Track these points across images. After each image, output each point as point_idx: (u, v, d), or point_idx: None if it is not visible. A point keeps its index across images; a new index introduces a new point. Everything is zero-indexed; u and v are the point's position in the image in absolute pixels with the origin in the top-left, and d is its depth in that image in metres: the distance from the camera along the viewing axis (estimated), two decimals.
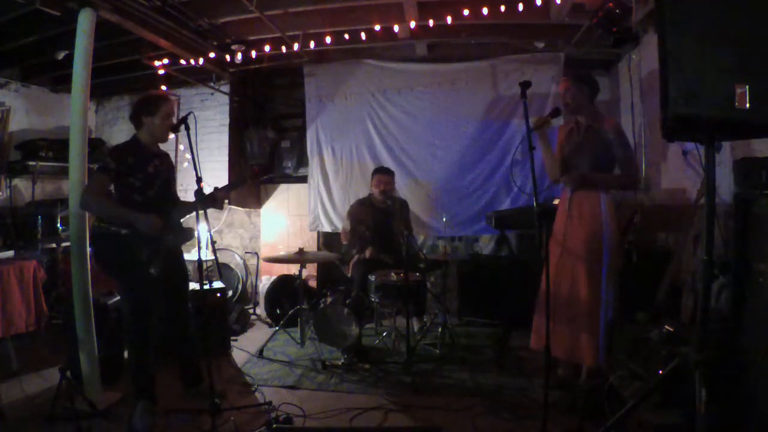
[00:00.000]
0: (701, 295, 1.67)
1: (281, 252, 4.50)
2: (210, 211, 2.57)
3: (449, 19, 3.63)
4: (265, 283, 4.65)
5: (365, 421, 2.50)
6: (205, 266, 2.65)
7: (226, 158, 4.97)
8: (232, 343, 3.70)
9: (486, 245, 4.83)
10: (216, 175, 4.86)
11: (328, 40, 3.97)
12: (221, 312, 3.60)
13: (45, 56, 3.96)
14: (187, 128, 2.35)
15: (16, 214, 4.11)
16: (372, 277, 3.50)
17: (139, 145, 2.59)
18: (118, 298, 3.06)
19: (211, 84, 4.97)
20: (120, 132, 5.28)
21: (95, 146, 4.62)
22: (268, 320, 4.35)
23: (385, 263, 3.83)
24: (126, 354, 2.78)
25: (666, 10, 1.46)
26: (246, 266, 5.15)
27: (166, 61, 4.24)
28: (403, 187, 4.63)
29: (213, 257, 3.84)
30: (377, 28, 3.81)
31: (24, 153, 4.31)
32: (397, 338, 3.55)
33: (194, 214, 2.61)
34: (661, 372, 1.97)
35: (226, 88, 4.99)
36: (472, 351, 3.56)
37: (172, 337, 2.77)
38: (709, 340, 1.74)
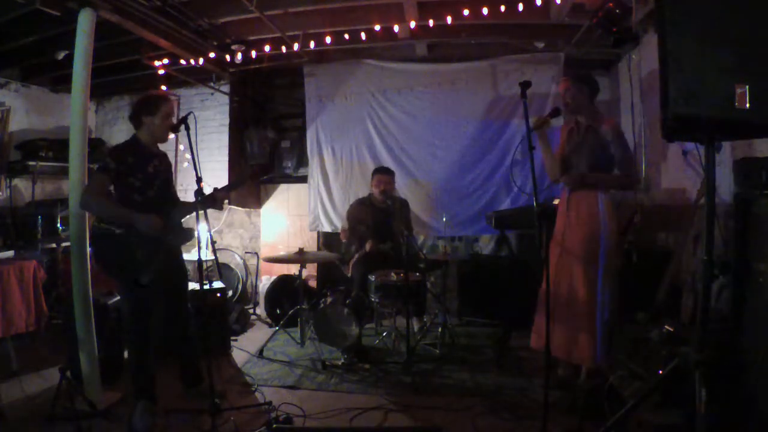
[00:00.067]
0: (701, 295, 1.67)
1: (281, 252, 4.50)
2: (210, 211, 2.57)
3: (449, 19, 3.63)
4: (265, 283, 4.65)
5: (365, 421, 2.50)
6: (205, 266, 2.65)
7: (226, 158, 4.97)
8: (232, 343, 3.70)
9: (486, 245, 4.83)
10: (216, 175, 4.86)
11: (328, 40, 3.97)
12: (221, 312, 3.60)
13: (45, 56, 3.96)
14: (187, 128, 2.36)
15: (16, 214, 4.11)
16: (372, 277, 3.50)
17: (139, 145, 2.59)
18: (118, 298, 3.06)
19: (211, 84, 4.97)
20: (120, 132, 5.28)
21: (95, 146, 4.62)
22: (268, 320, 4.35)
23: (386, 256, 3.82)
24: (126, 354, 2.78)
25: (666, 10, 1.46)
26: (246, 266, 5.15)
27: (166, 61, 4.24)
28: (403, 187, 4.63)
29: (213, 257, 3.84)
30: (377, 28, 3.81)
31: (24, 153, 4.31)
32: (397, 338, 3.54)
33: (194, 214, 2.61)
34: (661, 372, 1.97)
35: (226, 88, 4.99)
36: (472, 351, 3.56)
37: (172, 337, 2.77)
38: (709, 340, 1.74)
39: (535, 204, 2.21)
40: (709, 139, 1.60)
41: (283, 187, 5.26)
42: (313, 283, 4.88)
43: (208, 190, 2.48)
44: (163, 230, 2.48)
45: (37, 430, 2.36)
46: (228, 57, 4.29)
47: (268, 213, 5.30)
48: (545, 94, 4.36)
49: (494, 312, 4.08)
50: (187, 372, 2.79)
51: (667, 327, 2.33)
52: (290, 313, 3.87)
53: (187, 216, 2.74)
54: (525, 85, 2.27)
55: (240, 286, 4.99)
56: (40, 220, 4.01)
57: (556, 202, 3.00)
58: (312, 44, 4.08)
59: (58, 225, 4.10)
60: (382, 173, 4.00)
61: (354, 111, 4.83)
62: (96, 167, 2.49)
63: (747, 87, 1.40)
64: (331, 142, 4.90)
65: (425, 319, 3.88)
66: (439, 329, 3.63)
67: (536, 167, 2.25)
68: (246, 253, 5.21)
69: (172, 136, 2.67)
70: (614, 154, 2.58)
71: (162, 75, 4.36)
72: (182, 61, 4.20)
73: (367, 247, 3.85)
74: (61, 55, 3.88)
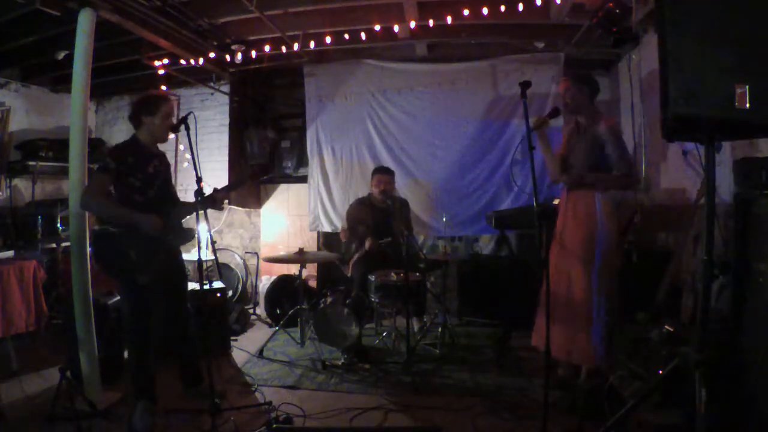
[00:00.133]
0: (701, 295, 1.67)
1: (281, 252, 4.50)
2: (210, 211, 2.57)
3: (449, 19, 3.63)
4: (265, 283, 4.65)
5: (365, 421, 2.50)
6: (205, 266, 2.65)
7: (226, 158, 4.97)
8: (232, 343, 3.70)
9: (486, 245, 4.83)
10: (216, 175, 4.86)
11: (328, 40, 3.97)
12: (221, 312, 3.60)
13: (45, 56, 3.96)
14: (187, 128, 2.35)
15: (16, 214, 4.11)
16: (372, 277, 3.50)
17: (139, 145, 2.59)
18: (118, 298, 3.06)
19: (211, 84, 4.97)
20: (120, 132, 5.28)
21: (95, 146, 4.62)
22: (268, 320, 4.35)
23: (386, 255, 3.82)
24: (126, 354, 2.78)
25: (666, 10, 1.46)
26: (246, 266, 5.14)
27: (166, 61, 4.24)
28: (403, 187, 4.63)
29: (213, 257, 3.84)
30: (377, 28, 3.81)
31: (24, 153, 4.31)
32: (397, 338, 3.54)
33: (194, 214, 2.61)
34: (661, 372, 1.96)
35: (226, 88, 4.99)
36: (472, 351, 3.56)
37: (172, 337, 2.77)
38: (709, 340, 1.74)
39: (535, 204, 2.21)
40: (709, 139, 1.60)
41: (283, 187, 5.26)
42: (313, 283, 4.88)
43: (208, 190, 2.48)
44: (164, 230, 2.48)
45: (37, 430, 2.36)
46: (228, 57, 4.29)
47: (268, 213, 5.30)
48: (545, 94, 4.36)
49: (494, 312, 4.08)
50: (187, 372, 2.79)
51: (667, 327, 2.33)
52: (290, 313, 3.87)
53: (187, 216, 2.74)
54: (525, 85, 2.27)
55: (240, 286, 4.99)
56: (40, 220, 4.01)
57: (556, 202, 3.00)
58: (312, 44, 4.08)
59: (58, 225, 4.10)
60: (382, 173, 4.00)
61: (354, 111, 4.83)
62: (96, 167, 2.49)
63: (747, 87, 1.40)
64: (331, 142, 4.90)
65: (425, 319, 3.88)
66: (439, 329, 3.63)
67: (536, 167, 2.25)
68: (246, 253, 5.21)
69: (172, 136, 2.67)
70: (611, 154, 2.56)
71: (162, 75, 4.36)
72: (182, 61, 4.20)
73: (367, 245, 3.84)
74: (61, 55, 3.88)
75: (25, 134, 4.46)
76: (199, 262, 2.33)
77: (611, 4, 3.14)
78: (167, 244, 2.60)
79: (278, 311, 4.25)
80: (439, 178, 4.66)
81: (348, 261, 4.05)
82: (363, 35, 3.98)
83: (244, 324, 4.19)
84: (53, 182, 4.70)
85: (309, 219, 5.04)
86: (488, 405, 2.64)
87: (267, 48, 4.11)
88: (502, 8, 3.48)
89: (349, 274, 4.01)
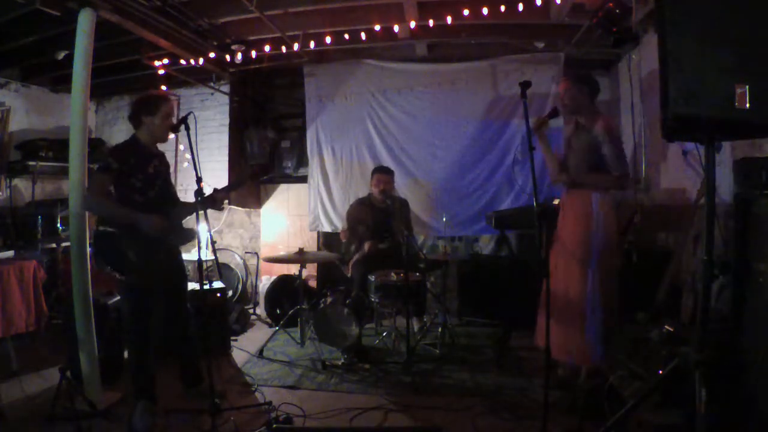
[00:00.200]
0: (701, 295, 1.67)
1: (281, 252, 4.50)
2: (210, 211, 2.57)
3: (449, 19, 3.63)
4: (265, 283, 4.65)
5: (365, 421, 2.50)
6: (205, 266, 2.65)
7: (226, 158, 4.97)
8: (232, 343, 3.70)
9: (486, 245, 4.83)
10: (216, 175, 4.86)
11: (328, 40, 3.97)
12: (221, 312, 3.60)
13: (45, 56, 3.96)
14: (187, 128, 2.35)
15: (16, 214, 4.11)
16: (372, 277, 3.50)
17: (139, 145, 2.59)
18: (118, 298, 3.06)
19: (211, 84, 4.97)
20: (120, 132, 5.28)
21: (95, 146, 4.62)
22: (268, 320, 4.35)
23: (386, 256, 3.82)
24: (126, 354, 2.78)
25: (666, 10, 1.46)
26: (246, 266, 5.14)
27: (166, 61, 4.23)
28: (403, 187, 4.63)
29: (213, 257, 3.84)
30: (377, 28, 3.81)
31: (24, 153, 4.31)
32: (397, 338, 3.54)
33: (194, 214, 2.61)
34: (661, 372, 1.96)
35: (226, 88, 4.99)
36: (472, 351, 3.56)
37: (172, 337, 2.77)
38: (709, 340, 1.74)
39: (535, 204, 2.21)
40: (709, 139, 1.60)
41: (283, 187, 5.26)
42: (313, 283, 4.88)
43: (208, 190, 2.48)
44: (164, 230, 2.48)
45: (37, 430, 2.36)
46: (228, 57, 4.29)
47: (268, 213, 5.30)
48: (545, 94, 4.36)
49: (494, 312, 4.08)
50: (187, 372, 2.79)
51: (667, 327, 2.32)
52: (290, 313, 3.87)
53: (188, 216, 2.74)
54: (525, 85, 2.27)
55: (240, 286, 4.99)
56: (40, 220, 4.01)
57: (556, 202, 3.01)
58: (312, 44, 4.08)
59: (58, 225, 4.10)
60: (382, 173, 4.00)
61: (354, 111, 4.83)
62: (97, 167, 2.49)
63: (747, 87, 1.40)
64: (331, 142, 4.90)
65: (425, 319, 3.88)
66: (439, 329, 3.63)
67: (536, 167, 2.25)
68: (246, 253, 5.21)
69: (172, 136, 2.67)
70: (606, 154, 2.56)
71: (162, 75, 4.36)
72: (182, 61, 4.20)
73: (366, 247, 3.85)
74: (61, 55, 3.88)
75: (25, 134, 4.46)
76: (199, 262, 2.33)
77: (611, 4, 3.14)
78: (167, 244, 2.60)
79: (278, 311, 4.25)
80: (439, 178, 4.66)
81: (348, 261, 4.05)
82: (363, 35, 3.98)
83: (244, 324, 4.19)
84: (53, 182, 4.70)
85: (309, 219, 5.03)
86: (488, 405, 2.64)
87: (267, 48, 4.11)
88: (502, 8, 3.48)
89: (349, 274, 4.01)
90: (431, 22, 3.71)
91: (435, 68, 4.65)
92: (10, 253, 3.62)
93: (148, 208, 2.46)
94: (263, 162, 5.05)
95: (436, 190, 4.67)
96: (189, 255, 4.23)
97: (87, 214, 2.70)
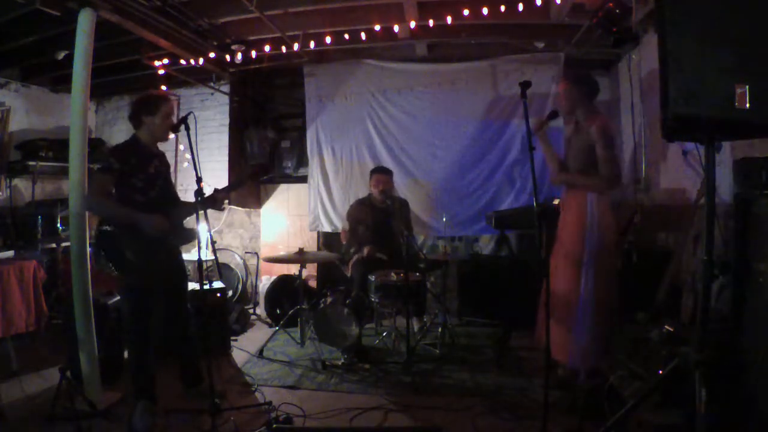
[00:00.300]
0: (701, 295, 1.67)
1: (281, 252, 4.50)
2: (210, 211, 2.57)
3: (449, 19, 3.63)
4: (265, 283, 4.65)
5: (365, 421, 2.50)
6: (205, 266, 2.65)
7: (226, 158, 4.97)
8: (232, 343, 3.70)
9: (486, 245, 4.83)
10: (216, 175, 4.87)
11: (328, 40, 3.97)
12: (221, 312, 3.60)
13: (45, 56, 3.96)
14: (187, 128, 2.35)
15: (16, 214, 4.11)
16: (372, 277, 3.50)
17: (139, 144, 2.59)
18: (118, 298, 3.06)
19: (211, 84, 4.97)
20: (120, 132, 5.28)
21: (95, 146, 4.62)
22: (268, 320, 4.35)
23: (383, 260, 3.82)
24: (126, 354, 2.78)
25: (666, 10, 1.46)
26: (246, 266, 5.14)
27: (166, 61, 4.23)
28: (403, 187, 4.63)
29: (213, 257, 3.84)
30: (377, 28, 3.81)
31: (24, 153, 4.31)
32: (397, 338, 3.54)
33: (194, 214, 2.61)
34: (661, 372, 1.96)
35: (226, 88, 4.99)
36: (472, 351, 3.56)
37: (172, 337, 2.77)
38: (709, 340, 1.74)
39: (535, 204, 2.22)
40: (709, 139, 1.60)
41: (283, 187, 5.26)
42: (313, 283, 4.88)
43: (208, 190, 2.48)
44: (166, 230, 2.48)
45: (37, 430, 2.36)
46: (228, 57, 4.29)
47: (268, 213, 5.30)
48: (545, 94, 4.36)
49: (494, 312, 4.08)
50: (187, 372, 2.79)
51: (667, 327, 2.32)
52: (290, 313, 3.87)
53: (188, 216, 2.74)
54: (525, 85, 2.27)
55: (240, 286, 4.99)
56: (40, 220, 4.01)
57: (556, 202, 3.01)
58: (312, 44, 4.08)
59: (58, 225, 4.10)
60: (380, 173, 4.00)
61: (354, 111, 4.83)
62: (98, 168, 2.49)
63: (747, 87, 1.40)
64: (331, 142, 4.90)
65: (425, 319, 3.88)
66: (439, 329, 3.63)
67: (536, 167, 2.25)
68: (246, 253, 5.21)
69: (172, 136, 2.67)
70: (598, 153, 2.56)
71: (162, 75, 4.36)
72: (182, 61, 4.20)
73: (365, 252, 3.85)
74: (61, 55, 3.88)
75: (25, 134, 4.46)
76: (199, 262, 2.32)
77: (611, 4, 3.14)
78: (168, 244, 2.60)
79: (278, 311, 4.25)
80: (439, 178, 4.66)
81: (348, 261, 4.05)
82: (363, 35, 3.98)
83: (244, 324, 4.19)
84: (53, 182, 4.70)
85: (309, 219, 5.03)
86: (488, 405, 2.64)
87: (267, 48, 4.11)
88: (502, 8, 3.48)
89: (349, 274, 4.01)
90: (431, 22, 3.71)
91: (435, 68, 4.65)
92: (10, 253, 3.62)
93: (149, 208, 2.46)
94: (263, 162, 5.05)
95: (436, 190, 4.67)
96: (189, 255, 4.23)
97: (87, 214, 2.70)
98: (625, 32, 3.25)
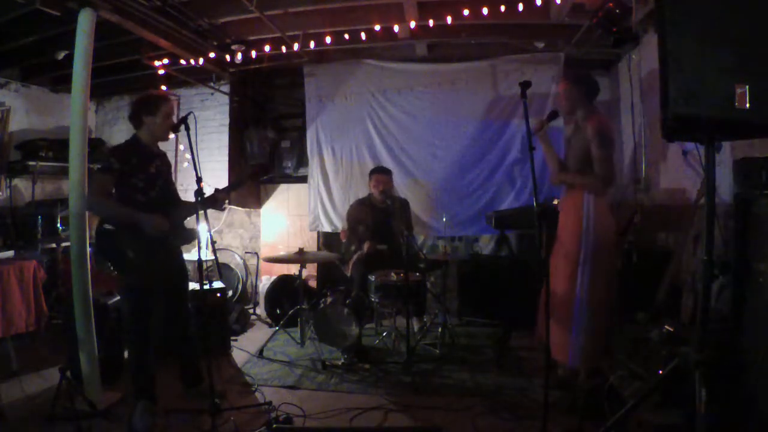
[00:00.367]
0: (701, 295, 1.67)
1: (281, 252, 4.50)
2: (210, 211, 2.57)
3: (449, 19, 3.63)
4: (265, 283, 4.65)
5: (365, 421, 2.50)
6: (205, 266, 2.65)
7: (226, 158, 4.97)
8: (232, 343, 3.70)
9: (486, 245, 4.83)
10: (216, 175, 4.87)
11: (328, 40, 3.97)
12: (221, 312, 3.60)
13: (45, 56, 3.96)
14: (187, 128, 2.35)
15: (16, 214, 4.11)
16: (372, 277, 3.50)
17: (140, 144, 2.59)
18: (118, 298, 3.06)
19: (211, 84, 4.97)
20: (120, 132, 5.28)
21: (95, 146, 4.62)
22: (268, 320, 4.35)
23: (383, 256, 3.81)
24: (126, 354, 2.78)
25: (666, 10, 1.46)
26: (246, 266, 5.14)
27: (166, 61, 4.23)
28: (403, 187, 4.63)
29: (213, 257, 3.84)
30: (377, 28, 3.81)
31: (24, 153, 4.31)
32: (397, 338, 3.54)
33: (194, 214, 2.61)
34: (661, 372, 1.96)
35: (226, 88, 4.99)
36: (472, 351, 3.56)
37: (172, 337, 2.77)
38: (709, 340, 1.74)
39: (535, 204, 2.22)
40: (709, 139, 1.60)
41: (283, 187, 5.26)
42: (313, 283, 4.88)
43: (208, 190, 2.48)
44: (166, 230, 2.49)
45: (37, 430, 2.36)
46: (228, 57, 4.29)
47: (268, 213, 5.30)
48: (545, 94, 4.36)
49: (494, 312, 4.08)
50: (187, 372, 2.79)
51: (667, 327, 2.32)
52: (290, 313, 3.87)
53: (189, 216, 2.74)
54: (525, 85, 2.27)
55: (240, 286, 4.99)
56: (40, 220, 4.01)
57: (556, 202, 3.01)
58: (312, 44, 4.08)
59: (58, 225, 4.10)
60: (380, 173, 4.00)
61: (354, 111, 4.83)
62: (98, 168, 2.49)
63: (747, 87, 1.40)
64: (331, 142, 4.90)
65: (425, 319, 3.88)
66: (439, 329, 3.63)
67: (536, 167, 2.25)
68: (246, 253, 5.21)
69: (172, 135, 2.67)
70: (593, 153, 2.56)
71: (162, 75, 4.36)
72: (182, 61, 4.20)
73: (365, 248, 3.85)
74: (61, 55, 3.88)
75: (25, 134, 4.46)
76: (199, 262, 2.32)
77: (611, 4, 3.14)
78: (168, 244, 2.60)
79: (278, 311, 4.25)
80: (439, 178, 4.66)
81: (348, 261, 4.05)
82: (363, 35, 3.98)
83: (244, 324, 4.19)
84: (53, 182, 4.70)
85: (309, 219, 5.03)
86: (488, 405, 2.64)
87: (267, 48, 4.11)
88: (502, 8, 3.48)
89: (349, 274, 4.01)
90: (431, 22, 3.71)
91: (435, 68, 4.65)
92: (10, 253, 3.61)
93: (149, 208, 2.46)
94: (263, 162, 5.05)
95: (436, 190, 4.67)
96: (189, 255, 4.22)
97: (87, 214, 2.70)
98: (625, 32, 3.25)
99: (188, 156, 2.81)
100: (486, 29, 3.96)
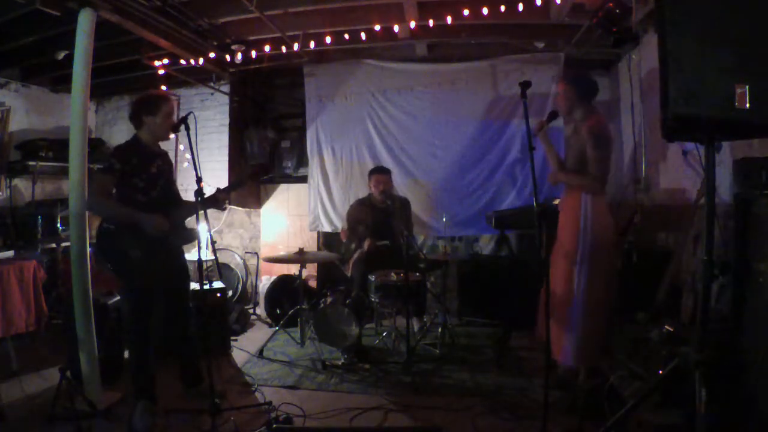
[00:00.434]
0: (701, 295, 1.67)
1: (281, 252, 4.50)
2: (210, 211, 2.57)
3: (449, 19, 3.62)
4: (265, 283, 4.65)
5: (365, 421, 2.50)
6: (205, 266, 2.65)
7: (226, 158, 4.97)
8: (232, 343, 3.70)
9: (486, 245, 4.83)
10: (216, 175, 4.87)
11: (328, 40, 3.97)
12: (221, 312, 3.60)
13: (45, 56, 3.96)
14: (187, 128, 2.35)
15: (16, 214, 4.11)
16: (372, 277, 3.50)
17: (141, 144, 2.59)
18: (118, 298, 3.06)
19: (211, 84, 4.97)
20: (120, 132, 5.28)
21: (95, 146, 4.62)
22: (268, 320, 4.35)
23: (384, 254, 3.81)
24: (126, 354, 2.78)
25: (666, 10, 1.46)
26: (246, 266, 5.14)
27: (166, 61, 4.23)
28: (402, 187, 4.64)
29: (213, 257, 3.84)
30: (377, 28, 3.81)
31: (24, 153, 4.31)
32: (397, 338, 3.54)
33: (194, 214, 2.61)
34: (661, 372, 1.96)
35: (226, 88, 4.99)
36: (472, 351, 3.56)
37: (172, 337, 2.77)
38: (709, 340, 1.74)
39: (535, 204, 2.22)
40: (709, 139, 1.60)
41: (283, 187, 5.26)
42: (313, 283, 4.88)
43: (208, 190, 2.48)
44: (167, 230, 2.49)
45: (37, 430, 2.36)
46: (228, 57, 4.29)
47: (268, 213, 5.30)
48: (545, 94, 4.36)
49: (494, 312, 4.08)
50: (187, 372, 2.79)
51: (667, 327, 2.33)
52: (290, 313, 3.87)
53: (189, 216, 2.74)
54: (525, 85, 2.28)
55: (240, 286, 4.99)
56: (40, 220, 4.01)
57: (556, 202, 3.01)
58: (312, 44, 4.08)
59: (58, 225, 4.10)
60: (379, 173, 4.00)
61: (354, 111, 4.83)
62: (99, 168, 2.50)
63: (747, 87, 1.40)
64: (331, 142, 4.90)
65: (425, 319, 3.88)
66: (439, 329, 3.63)
67: (536, 167, 2.25)
68: (246, 253, 5.21)
69: (172, 135, 2.67)
70: (587, 153, 2.57)
71: (162, 75, 4.36)
72: (182, 61, 4.20)
73: (366, 245, 3.85)
74: (61, 55, 3.88)
75: (25, 134, 4.46)
76: (199, 262, 2.33)
77: (611, 4, 3.14)
78: (168, 244, 2.60)
79: (278, 311, 4.25)
80: (439, 178, 4.66)
81: (348, 261, 4.05)
82: (363, 35, 3.98)
83: (244, 324, 4.19)
84: (53, 182, 4.70)
85: (309, 219, 5.03)
86: (488, 405, 2.64)
87: (267, 48, 4.11)
88: (502, 8, 3.48)
89: (349, 274, 4.01)
90: (431, 22, 3.71)
91: (435, 68, 4.65)
92: (10, 253, 3.61)
93: (150, 208, 2.46)
94: (263, 162, 5.05)
95: (436, 190, 4.67)
96: (189, 255, 4.21)
97: (87, 214, 2.70)
98: (625, 32, 3.25)
99: (188, 156, 2.81)
100: (486, 29, 3.96)
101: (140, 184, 2.50)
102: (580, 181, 2.62)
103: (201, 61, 4.16)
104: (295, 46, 4.11)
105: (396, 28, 3.86)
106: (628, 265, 3.11)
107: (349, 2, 3.70)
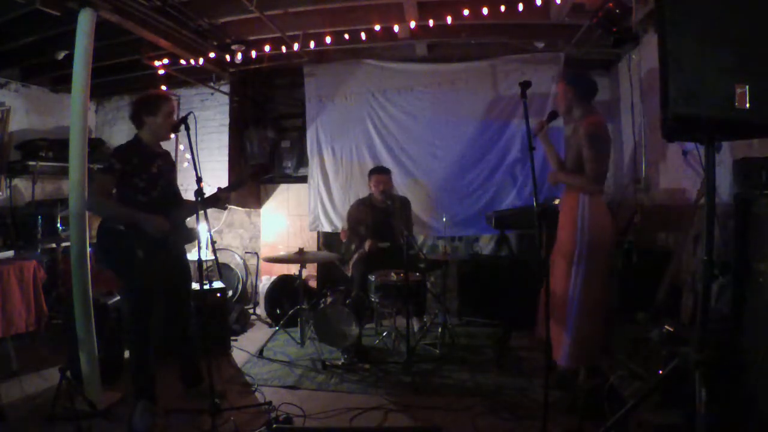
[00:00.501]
0: (701, 295, 1.67)
1: (281, 252, 4.50)
2: (210, 211, 2.57)
3: (449, 19, 3.63)
4: (265, 283, 4.65)
5: (365, 421, 2.50)
6: (205, 266, 2.65)
7: (226, 158, 4.97)
8: (232, 343, 3.70)
9: (486, 245, 4.83)
10: (216, 175, 4.87)
11: (328, 40, 3.97)
12: (221, 312, 3.60)
13: (45, 56, 3.96)
14: (187, 128, 2.36)
15: (16, 214, 4.11)
16: (372, 277, 3.50)
17: (142, 144, 2.59)
18: (118, 298, 3.06)
19: (211, 84, 4.97)
20: (120, 132, 5.27)
21: (95, 146, 4.62)
22: (268, 320, 4.35)
23: (385, 254, 3.81)
24: (126, 354, 2.78)
25: (666, 10, 1.46)
26: (246, 266, 5.14)
27: (166, 61, 4.23)
28: (402, 187, 4.64)
29: (213, 257, 3.84)
30: (377, 28, 3.81)
31: (24, 153, 4.31)
32: (397, 338, 3.54)
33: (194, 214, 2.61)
34: (661, 372, 1.96)
35: (226, 88, 4.99)
36: (472, 351, 3.56)
37: (172, 337, 2.77)
38: (709, 340, 1.74)
39: (535, 204, 2.22)
40: (709, 139, 1.60)
41: (283, 187, 5.26)
42: (313, 283, 4.88)
43: (208, 189, 2.48)
44: (168, 230, 2.49)
45: (37, 430, 2.36)
46: (228, 57, 4.29)
47: (268, 213, 5.30)
48: (545, 94, 4.36)
49: (494, 312, 4.08)
50: (187, 372, 2.79)
51: (667, 327, 2.32)
52: (290, 313, 3.87)
53: (189, 216, 2.74)
54: (525, 85, 2.28)
55: (240, 286, 4.99)
56: (40, 220, 4.01)
57: (556, 202, 3.02)
58: (312, 44, 4.08)
59: (58, 225, 4.10)
60: (379, 173, 4.00)
61: (354, 111, 4.83)
62: (99, 168, 2.50)
63: (747, 87, 1.40)
64: (331, 142, 4.90)
65: (425, 319, 3.88)
66: (439, 329, 3.63)
67: (536, 167, 2.25)
68: (246, 253, 5.21)
69: (172, 135, 2.67)
70: (583, 153, 2.56)
71: (162, 75, 4.36)
72: (182, 61, 4.20)
73: (366, 246, 3.85)
74: (61, 55, 3.88)
75: (25, 134, 4.46)
76: (199, 262, 2.33)
77: (611, 4, 3.14)
78: (168, 244, 2.60)
79: (278, 311, 4.25)
80: (439, 178, 4.66)
81: (348, 261, 4.05)
82: (363, 35, 3.98)
83: (244, 324, 4.19)
84: (53, 182, 4.70)
85: (309, 219, 5.03)
86: (488, 405, 2.64)
87: (267, 48, 4.11)
88: (502, 8, 3.48)
89: (349, 274, 4.01)
90: (431, 22, 3.71)
91: (435, 68, 4.65)
92: (10, 253, 3.61)
93: (151, 208, 2.46)
94: (263, 162, 5.05)
95: (436, 190, 4.67)
96: (189, 255, 4.21)
97: (87, 214, 2.70)
98: (625, 32, 3.26)
99: (188, 156, 2.81)
100: (486, 29, 3.96)
101: (141, 184, 2.50)
102: (577, 181, 2.63)
103: (201, 61, 4.16)
104: (295, 46, 4.11)
105: (396, 28, 3.86)
106: (628, 265, 3.11)
107: (349, 2, 3.70)
